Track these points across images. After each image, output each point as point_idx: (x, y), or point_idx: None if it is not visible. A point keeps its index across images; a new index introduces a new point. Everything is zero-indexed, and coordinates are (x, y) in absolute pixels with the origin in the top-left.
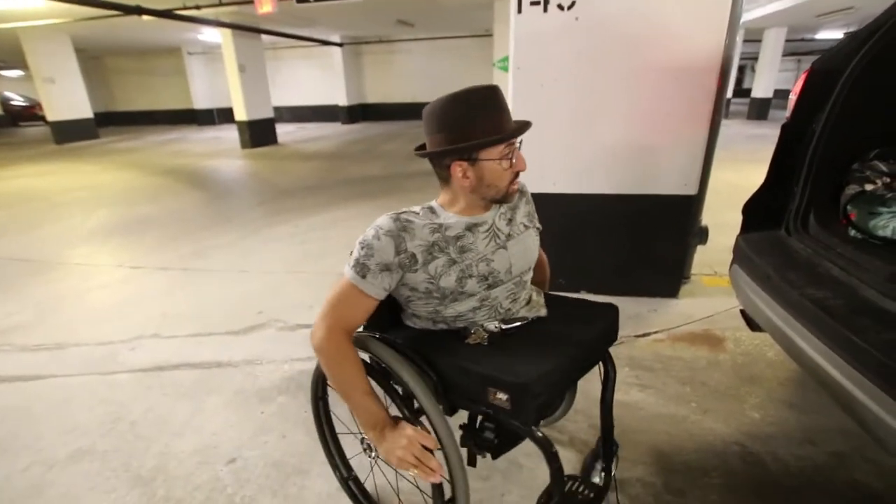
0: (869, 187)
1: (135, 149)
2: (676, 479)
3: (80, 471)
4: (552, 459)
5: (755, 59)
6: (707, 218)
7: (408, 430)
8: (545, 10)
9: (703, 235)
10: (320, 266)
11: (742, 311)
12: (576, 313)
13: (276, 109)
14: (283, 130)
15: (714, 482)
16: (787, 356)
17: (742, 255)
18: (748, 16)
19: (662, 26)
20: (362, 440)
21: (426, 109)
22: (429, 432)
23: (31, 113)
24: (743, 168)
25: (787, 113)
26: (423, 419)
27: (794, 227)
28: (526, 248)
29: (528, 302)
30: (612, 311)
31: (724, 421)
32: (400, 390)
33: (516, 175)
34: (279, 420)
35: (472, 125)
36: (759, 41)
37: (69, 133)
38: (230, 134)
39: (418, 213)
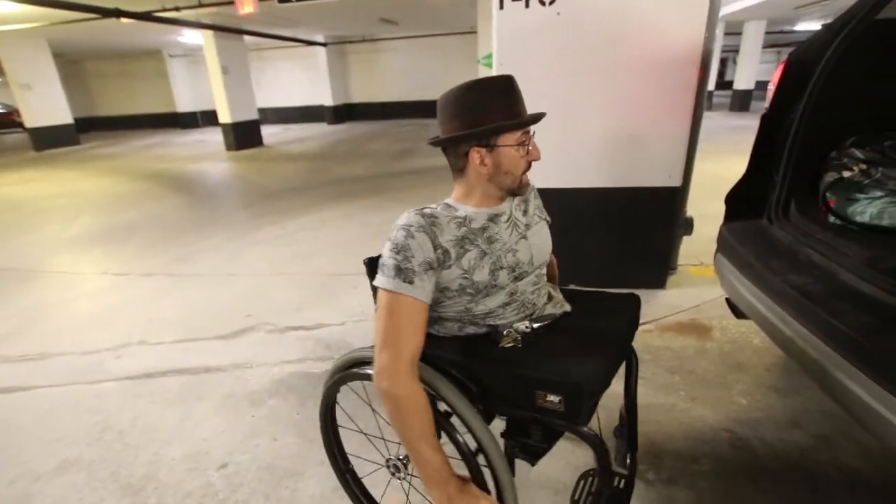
0: (846, 174)
1: (117, 154)
2: (667, 467)
3: (68, 482)
4: (604, 457)
5: (736, 51)
6: (692, 209)
7: (482, 501)
8: (527, 5)
9: (688, 226)
10: (308, 267)
11: (727, 300)
12: (599, 306)
13: (261, 111)
14: (269, 132)
15: (704, 469)
16: (772, 342)
17: (726, 245)
18: (728, 9)
19: (643, 20)
20: (387, 461)
21: (440, 100)
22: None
23: (10, 120)
24: (726, 159)
25: (766, 104)
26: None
27: (776, 215)
28: (543, 238)
29: (550, 298)
30: (635, 300)
31: (712, 408)
32: (462, 440)
33: (529, 165)
34: (270, 423)
35: (490, 111)
36: (740, 34)
37: (49, 139)
38: (214, 137)
39: (436, 209)
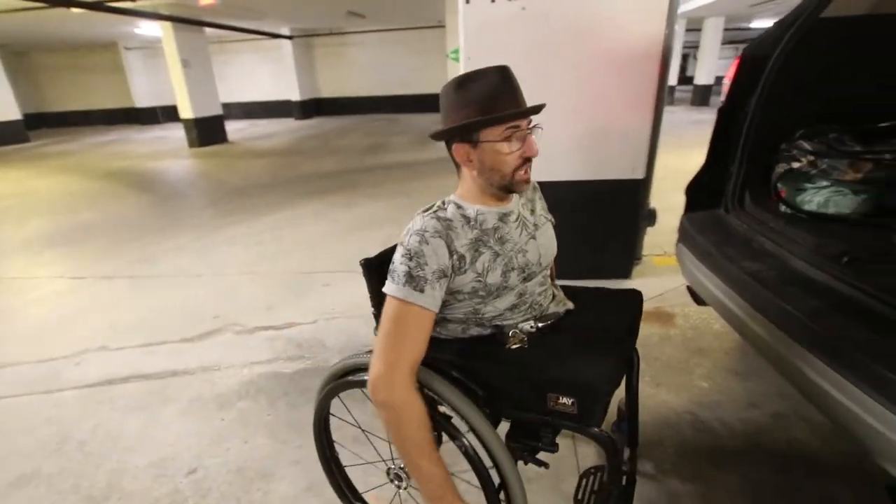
0: (795, 165)
1: (71, 152)
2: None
3: (25, 497)
4: (614, 456)
5: (697, 47)
6: (656, 200)
7: None
8: (492, 0)
9: (651, 217)
10: (277, 266)
11: (688, 287)
12: (602, 303)
13: (226, 106)
14: (234, 127)
15: (668, 451)
16: (730, 327)
17: (686, 234)
18: (688, 6)
19: (605, 16)
20: (388, 471)
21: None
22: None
23: None
24: (688, 152)
25: (722, 98)
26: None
27: (732, 205)
28: (549, 238)
29: (554, 297)
30: (637, 296)
31: (675, 392)
32: (468, 443)
33: (525, 161)
34: (240, 426)
35: (467, 105)
36: (700, 30)
37: None
38: (176, 133)
39: (446, 210)
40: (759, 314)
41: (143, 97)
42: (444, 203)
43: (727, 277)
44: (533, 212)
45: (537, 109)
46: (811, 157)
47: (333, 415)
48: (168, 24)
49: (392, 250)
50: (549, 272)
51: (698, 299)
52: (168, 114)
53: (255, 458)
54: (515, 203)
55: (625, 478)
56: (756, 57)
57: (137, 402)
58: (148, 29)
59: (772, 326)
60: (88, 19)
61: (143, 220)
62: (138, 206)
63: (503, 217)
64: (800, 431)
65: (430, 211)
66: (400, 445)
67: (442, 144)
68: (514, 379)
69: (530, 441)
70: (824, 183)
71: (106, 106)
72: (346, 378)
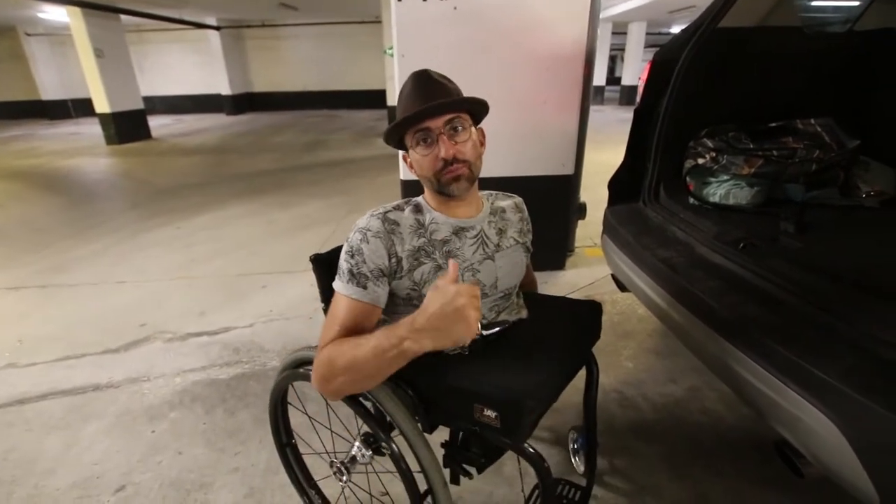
0: (701, 161)
1: None
2: (565, 430)
3: None
4: (545, 475)
5: (623, 49)
6: (586, 195)
7: (436, 297)
8: None
9: (582, 211)
10: (210, 269)
11: (612, 275)
12: (558, 313)
13: (148, 100)
14: (158, 123)
15: (598, 427)
16: (648, 310)
17: (609, 226)
18: (614, 10)
19: (532, 17)
20: (331, 463)
21: None
22: (404, 457)
23: None
24: (617, 148)
25: (638, 99)
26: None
27: (649, 198)
28: (514, 264)
29: (507, 305)
30: (596, 308)
31: (605, 373)
32: (370, 408)
33: (447, 163)
34: (173, 437)
35: (398, 112)
36: (626, 34)
37: None
38: (92, 129)
39: (403, 212)
40: (670, 297)
41: (51, 89)
42: (407, 202)
43: (643, 264)
44: (502, 232)
45: (431, 110)
46: (713, 154)
47: (292, 404)
48: (77, 9)
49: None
50: (509, 295)
51: (621, 286)
52: (82, 107)
53: (190, 469)
54: (480, 219)
55: (578, 493)
56: (665, 61)
57: (56, 420)
58: (54, 13)
59: (680, 307)
60: None
61: (54, 224)
62: (48, 209)
63: (459, 231)
64: (711, 401)
65: (380, 211)
66: (363, 369)
67: (380, 141)
68: (444, 386)
69: (463, 450)
70: (725, 177)
71: (6, 98)
72: (298, 370)
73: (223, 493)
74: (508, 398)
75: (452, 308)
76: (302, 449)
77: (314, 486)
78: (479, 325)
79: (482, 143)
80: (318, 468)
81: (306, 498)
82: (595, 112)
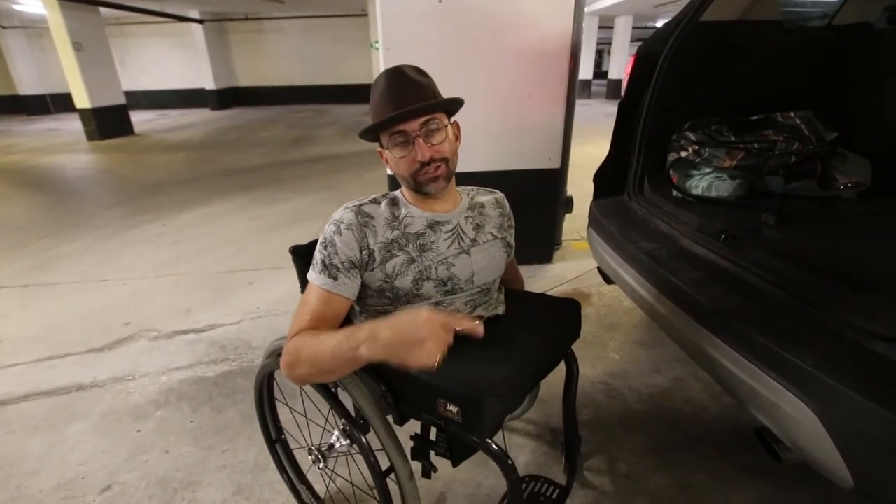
0: (683, 154)
1: None
2: (553, 421)
3: None
4: (509, 472)
5: (610, 43)
6: (573, 189)
7: (403, 317)
8: None
9: (569, 205)
10: (196, 266)
11: (598, 268)
12: (536, 310)
13: (130, 95)
14: (141, 118)
15: (585, 418)
16: (633, 302)
17: (594, 219)
18: (600, 4)
19: (517, 11)
20: (310, 450)
21: None
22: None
23: None
24: (603, 142)
25: (622, 93)
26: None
27: (633, 191)
28: (491, 258)
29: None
30: (574, 306)
31: (591, 365)
32: (366, 442)
33: (425, 165)
34: (159, 436)
35: (371, 111)
36: (612, 28)
37: None
38: (72, 125)
39: (379, 205)
40: (653, 288)
41: (28, 84)
42: (384, 195)
43: (628, 257)
44: (479, 228)
45: (405, 115)
46: (696, 147)
47: (279, 400)
48: (54, 1)
49: None
50: (487, 290)
51: (607, 278)
52: (61, 103)
53: (178, 468)
54: (457, 214)
55: (557, 491)
56: (649, 55)
57: (39, 421)
58: (31, 5)
59: (664, 298)
60: None
61: (35, 222)
62: (29, 207)
63: (434, 225)
64: (695, 391)
65: (355, 204)
66: (316, 369)
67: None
68: (410, 378)
69: (430, 444)
70: (707, 170)
71: None
72: (279, 358)
73: (211, 491)
74: (469, 394)
75: (415, 335)
76: (291, 444)
77: (305, 481)
78: (441, 360)
79: (457, 138)
80: (306, 462)
81: (297, 495)
82: (582, 106)
